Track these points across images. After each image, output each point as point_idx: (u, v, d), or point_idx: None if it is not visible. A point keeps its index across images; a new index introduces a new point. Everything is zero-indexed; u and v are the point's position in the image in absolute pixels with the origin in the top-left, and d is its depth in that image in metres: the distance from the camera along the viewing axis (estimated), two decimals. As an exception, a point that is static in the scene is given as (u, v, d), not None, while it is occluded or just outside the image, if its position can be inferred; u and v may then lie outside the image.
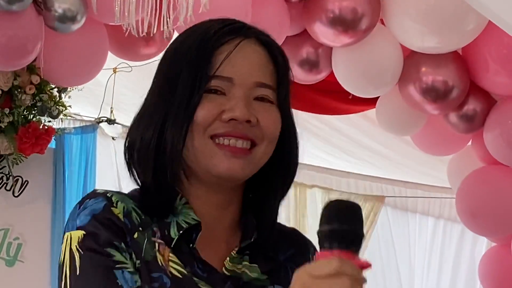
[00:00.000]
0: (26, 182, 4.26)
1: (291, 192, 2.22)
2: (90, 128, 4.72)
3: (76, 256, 1.57)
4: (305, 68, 4.02)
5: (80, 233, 1.57)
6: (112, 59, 3.84)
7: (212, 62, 1.61)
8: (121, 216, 1.58)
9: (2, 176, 4.18)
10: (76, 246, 1.57)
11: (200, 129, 1.60)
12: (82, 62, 3.59)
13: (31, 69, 3.55)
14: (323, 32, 3.72)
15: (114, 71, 4.45)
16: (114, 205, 1.59)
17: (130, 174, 1.69)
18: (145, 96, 1.69)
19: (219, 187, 1.66)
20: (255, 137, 1.62)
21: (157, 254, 1.59)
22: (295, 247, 1.78)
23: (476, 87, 3.90)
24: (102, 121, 4.76)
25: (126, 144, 1.67)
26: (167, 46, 1.73)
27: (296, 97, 4.27)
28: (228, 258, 1.65)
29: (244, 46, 1.64)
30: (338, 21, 3.63)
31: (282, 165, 1.71)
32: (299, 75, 4.03)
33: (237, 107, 1.59)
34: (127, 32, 3.13)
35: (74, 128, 4.63)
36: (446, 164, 4.39)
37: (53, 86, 3.75)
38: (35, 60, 3.48)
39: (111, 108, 4.73)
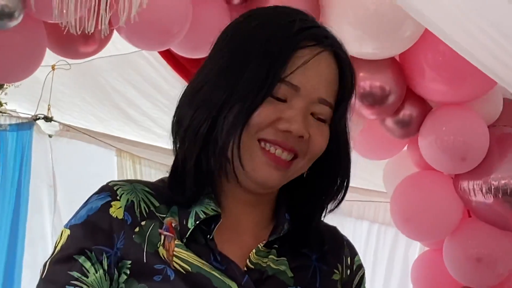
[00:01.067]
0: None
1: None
2: (27, 125, 4.73)
3: (51, 258, 1.57)
4: None
5: (67, 233, 1.57)
6: (51, 56, 3.81)
7: (288, 64, 1.56)
8: (120, 212, 1.55)
9: None
10: (57, 248, 1.57)
11: (253, 130, 1.56)
12: (19, 59, 3.53)
13: (-33, 64, 3.50)
14: None
15: (53, 68, 4.42)
16: (118, 198, 1.57)
17: (174, 150, 1.64)
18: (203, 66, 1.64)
19: (254, 194, 1.64)
20: (300, 151, 1.59)
21: (160, 247, 1.56)
22: (329, 245, 1.75)
23: (412, 93, 3.93)
24: (39, 118, 4.75)
25: (175, 118, 1.63)
26: (239, 17, 1.68)
27: None
28: (254, 250, 1.62)
29: (320, 58, 1.60)
30: None
31: (329, 172, 1.68)
32: None
33: (295, 120, 1.56)
34: (66, 30, 3.11)
35: (10, 124, 4.63)
36: (382, 168, 4.42)
37: None
38: (-29, 56, 3.44)
39: (49, 105, 4.70)
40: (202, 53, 3.83)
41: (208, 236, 1.59)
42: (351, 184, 1.70)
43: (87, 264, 1.52)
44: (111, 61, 4.26)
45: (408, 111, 3.95)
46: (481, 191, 3.87)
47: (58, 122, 4.88)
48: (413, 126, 3.97)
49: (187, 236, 1.57)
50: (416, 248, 5.92)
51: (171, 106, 4.87)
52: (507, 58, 3.34)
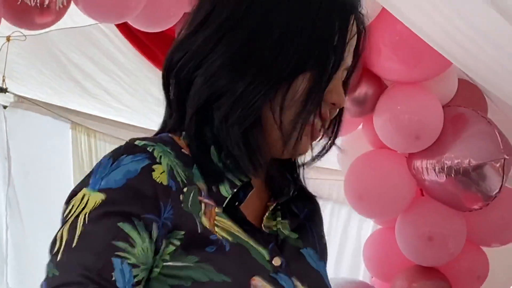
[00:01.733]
0: None
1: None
2: None
3: (79, 226, 1.36)
4: None
5: (100, 197, 1.37)
6: (6, 27, 3.78)
7: (347, 36, 1.50)
8: (164, 178, 1.41)
9: None
10: (86, 213, 1.36)
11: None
12: None
13: None
14: None
15: (8, 40, 4.38)
16: (158, 161, 1.41)
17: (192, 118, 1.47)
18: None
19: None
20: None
21: (202, 216, 1.43)
22: (310, 205, 1.71)
23: (368, 71, 3.94)
24: None
25: (207, 91, 1.46)
26: None
27: None
28: (267, 214, 1.56)
29: (354, 26, 1.54)
30: None
31: None
32: None
33: (340, 92, 1.52)
34: (21, 0, 3.10)
35: None
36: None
37: None
38: None
39: (3, 76, 4.67)
40: (160, 27, 3.85)
41: (236, 203, 1.48)
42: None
43: (133, 234, 1.35)
44: (68, 34, 4.26)
45: (363, 90, 3.97)
46: (434, 170, 3.89)
47: (13, 93, 4.85)
48: (368, 105, 3.98)
49: (224, 204, 1.46)
50: (369, 227, 5.96)
51: (128, 80, 4.87)
52: (463, 39, 3.39)
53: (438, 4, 3.21)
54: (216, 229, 1.43)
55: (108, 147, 5.21)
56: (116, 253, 1.32)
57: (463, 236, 4.01)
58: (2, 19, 3.56)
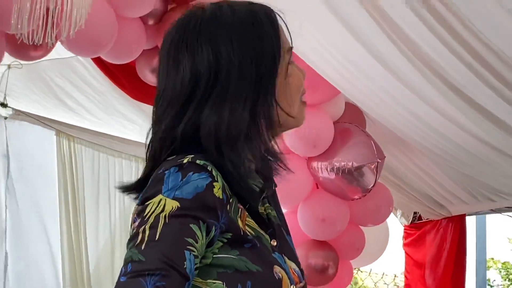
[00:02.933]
0: None
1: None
2: None
3: (160, 224, 1.31)
4: (155, 74, 3.98)
5: (176, 204, 1.32)
6: (7, 58, 3.75)
7: (282, 37, 1.45)
8: (220, 192, 1.35)
9: None
10: (166, 215, 1.31)
11: (299, 93, 1.50)
12: None
13: None
14: None
15: (9, 67, 4.35)
16: (216, 179, 1.35)
17: (216, 150, 1.37)
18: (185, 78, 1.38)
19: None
20: None
21: (239, 220, 1.39)
22: (270, 187, 1.58)
23: None
24: None
25: (213, 128, 1.37)
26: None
27: (149, 95, 4.20)
28: (260, 203, 1.49)
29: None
30: None
31: None
32: (151, 79, 3.97)
33: (303, 71, 1.50)
34: (20, 40, 3.07)
35: None
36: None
37: None
38: None
39: (5, 94, 4.64)
40: (125, 60, 3.82)
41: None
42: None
43: (198, 233, 1.31)
44: (54, 63, 4.22)
45: None
46: (327, 169, 3.91)
47: (12, 107, 4.78)
48: None
49: (247, 207, 1.42)
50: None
51: (99, 98, 4.81)
52: (347, 75, 3.43)
53: (330, 49, 3.24)
54: (247, 228, 1.40)
55: (83, 149, 5.17)
56: (187, 246, 1.30)
57: (347, 218, 4.04)
58: (5, 52, 3.54)
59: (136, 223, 1.32)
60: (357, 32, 2.94)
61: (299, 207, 4.07)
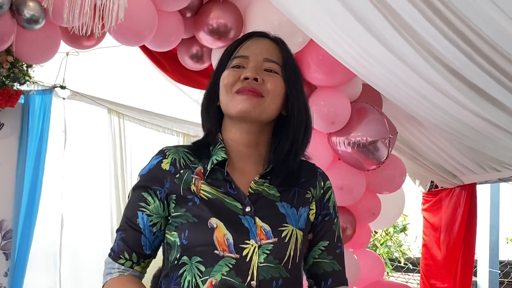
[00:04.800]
0: (2, 124, 4.31)
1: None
2: (48, 91, 4.68)
3: (130, 194, 1.73)
4: (194, 60, 4.09)
5: (139, 179, 1.72)
6: (65, 47, 3.89)
7: (238, 49, 1.73)
8: (167, 165, 1.69)
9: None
10: (132, 187, 1.73)
11: (228, 89, 1.69)
12: (43, 49, 3.61)
13: (8, 51, 3.56)
14: (205, 38, 3.80)
15: (67, 54, 4.49)
16: (166, 157, 1.71)
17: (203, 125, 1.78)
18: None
19: (246, 128, 1.71)
20: (262, 91, 1.67)
21: (192, 185, 1.67)
22: (306, 176, 1.80)
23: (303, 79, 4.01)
24: (56, 86, 4.75)
25: (202, 105, 1.79)
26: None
27: (188, 78, 4.31)
28: (253, 181, 1.70)
29: (258, 40, 1.75)
30: (215, 32, 3.73)
31: (292, 121, 1.72)
32: (190, 64, 4.11)
33: (249, 71, 1.68)
34: (72, 31, 3.21)
35: (36, 90, 4.61)
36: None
37: (23, 63, 3.76)
38: (11, 45, 3.50)
39: (63, 78, 4.73)
40: (166, 48, 3.94)
41: (225, 173, 1.69)
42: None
43: (149, 198, 1.68)
44: (106, 51, 4.23)
45: None
46: (344, 144, 3.97)
47: (70, 89, 4.87)
48: None
49: (207, 174, 1.69)
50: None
51: (144, 81, 4.79)
52: (362, 61, 3.49)
53: (345, 38, 3.31)
54: (202, 192, 1.66)
55: (132, 125, 5.22)
56: (140, 208, 1.68)
57: (363, 187, 4.11)
58: (61, 41, 3.70)
59: None
60: (368, 24, 3.00)
61: (319, 177, 4.13)
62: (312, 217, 1.76)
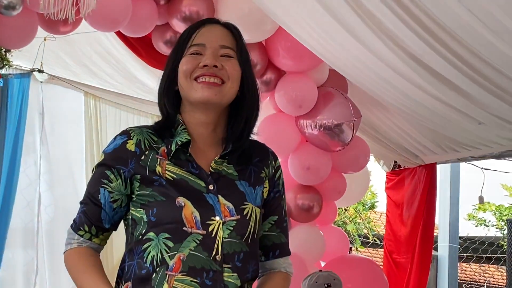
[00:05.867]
0: (-19, 107, 4.26)
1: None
2: (26, 75, 4.68)
3: (94, 170, 1.74)
4: (168, 45, 4.03)
5: (103, 157, 1.72)
6: (42, 32, 3.84)
7: (192, 37, 1.74)
8: (132, 146, 1.70)
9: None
10: (96, 164, 1.73)
11: (187, 75, 1.71)
12: (21, 34, 3.58)
13: (-13, 37, 3.51)
14: (178, 25, 3.79)
15: (45, 40, 4.43)
16: (131, 138, 1.71)
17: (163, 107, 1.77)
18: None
19: (206, 112, 1.73)
20: (222, 76, 1.70)
21: (157, 166, 1.68)
22: (259, 156, 1.81)
23: (272, 64, 4.04)
24: (34, 71, 4.73)
25: (159, 90, 1.78)
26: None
27: (162, 63, 4.29)
28: (213, 161, 1.73)
29: (212, 26, 1.76)
30: (187, 19, 3.71)
31: (246, 102, 1.76)
32: (164, 49, 4.08)
33: (207, 58, 1.70)
34: (48, 17, 3.20)
35: (15, 74, 4.59)
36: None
37: (1, 48, 3.74)
38: (-10, 31, 3.46)
39: (41, 62, 4.70)
40: (140, 34, 3.93)
41: (188, 154, 1.72)
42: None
43: (112, 176, 1.69)
44: (82, 36, 4.17)
45: (269, 76, 4.05)
46: (311, 126, 4.02)
47: (47, 73, 4.86)
48: (271, 85, 4.08)
49: (171, 155, 1.70)
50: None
51: (119, 65, 4.81)
52: (328, 46, 3.54)
53: (313, 25, 3.34)
54: (167, 172, 1.69)
55: (107, 108, 5.23)
56: (102, 185, 1.70)
57: (329, 167, 4.17)
58: (38, 27, 3.66)
59: None
60: (335, 13, 3.05)
61: (289, 158, 4.19)
62: (265, 195, 1.81)
